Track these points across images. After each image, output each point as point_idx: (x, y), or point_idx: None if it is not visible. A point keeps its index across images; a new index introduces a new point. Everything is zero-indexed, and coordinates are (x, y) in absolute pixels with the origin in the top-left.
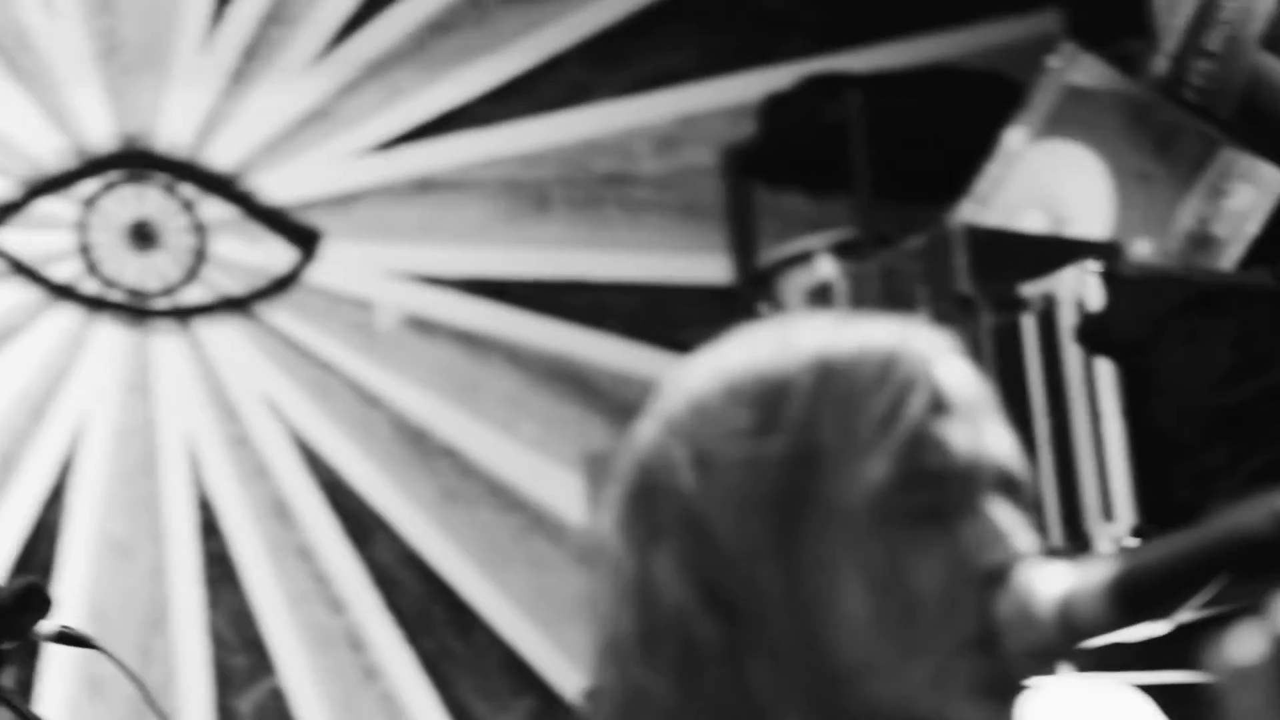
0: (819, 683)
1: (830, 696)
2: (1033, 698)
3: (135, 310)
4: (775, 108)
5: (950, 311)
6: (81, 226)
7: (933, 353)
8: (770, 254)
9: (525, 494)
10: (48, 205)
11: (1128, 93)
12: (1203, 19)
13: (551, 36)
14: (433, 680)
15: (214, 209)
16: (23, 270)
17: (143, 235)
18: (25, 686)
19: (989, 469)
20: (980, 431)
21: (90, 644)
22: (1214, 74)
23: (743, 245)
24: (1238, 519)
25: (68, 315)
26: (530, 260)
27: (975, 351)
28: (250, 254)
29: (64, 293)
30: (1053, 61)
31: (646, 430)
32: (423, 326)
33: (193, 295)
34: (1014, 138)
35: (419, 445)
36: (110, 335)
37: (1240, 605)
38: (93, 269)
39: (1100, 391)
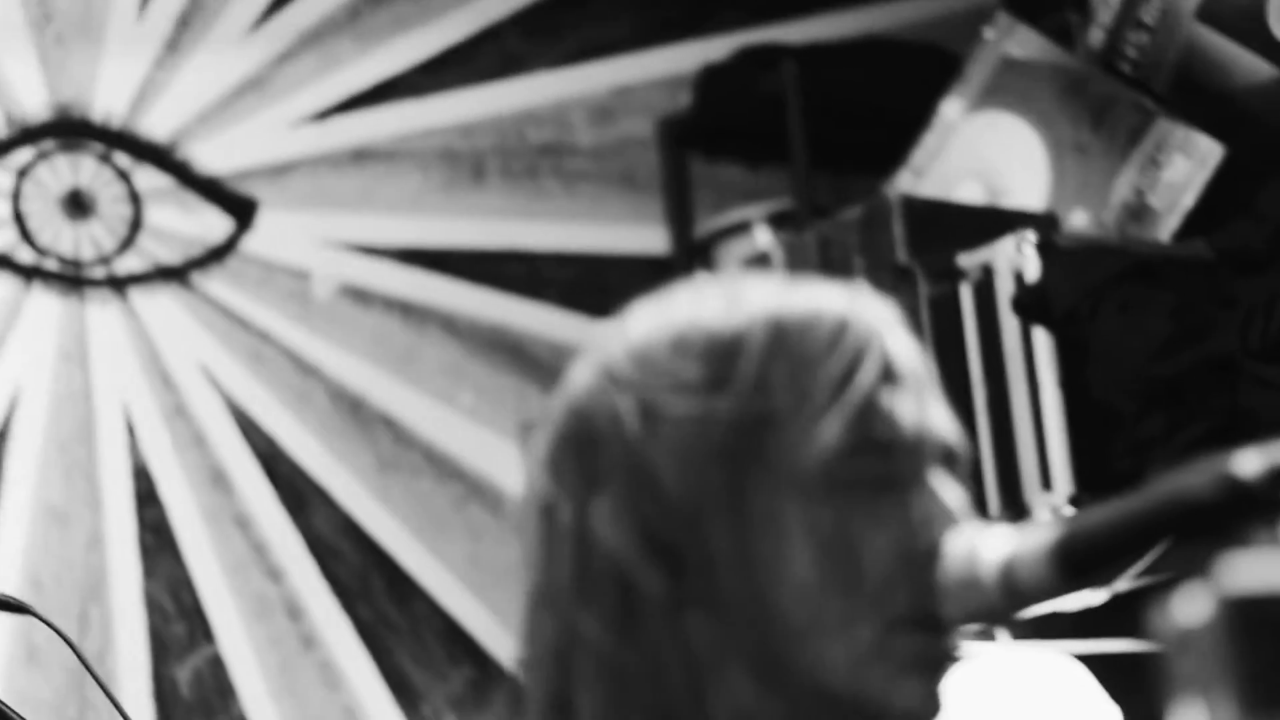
0: (760, 640)
1: (770, 655)
2: (968, 666)
3: (70, 279)
4: (711, 79)
5: (887, 281)
6: (15, 195)
7: (881, 323)
8: (707, 224)
9: (463, 463)
10: None
11: (1063, 64)
12: None
13: (487, 7)
14: (370, 649)
15: (149, 178)
16: None
17: (78, 204)
18: None
19: (933, 443)
20: (925, 405)
21: (27, 610)
22: (1149, 46)
23: (679, 216)
24: (1180, 483)
25: (2, 284)
26: (467, 230)
27: (913, 322)
28: (186, 223)
29: None
30: (988, 33)
31: (581, 377)
32: (359, 296)
33: (128, 264)
34: (950, 109)
35: (356, 414)
36: (45, 304)
37: (1176, 574)
38: (27, 238)
39: (1038, 361)
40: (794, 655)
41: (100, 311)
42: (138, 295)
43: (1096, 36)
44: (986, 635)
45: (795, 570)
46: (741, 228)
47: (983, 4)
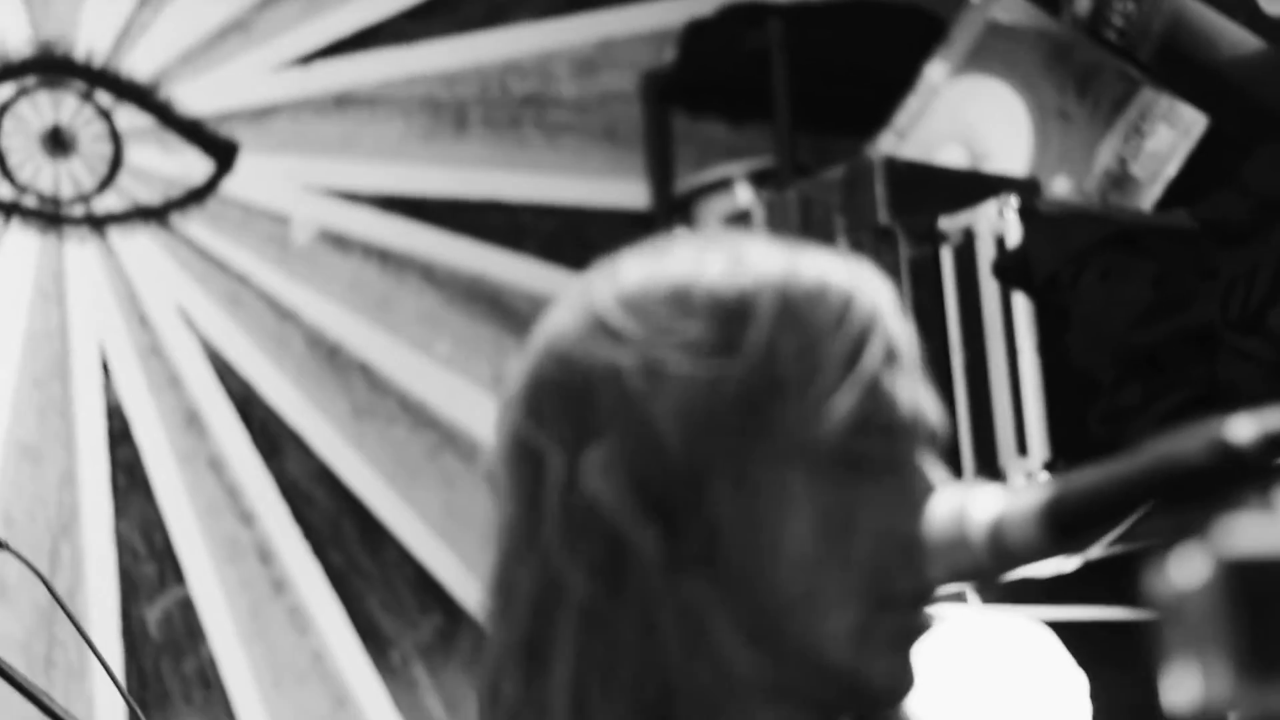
0: (754, 606)
1: (763, 621)
2: (937, 629)
3: (49, 217)
4: (696, 34)
5: (868, 242)
6: None
7: (883, 302)
8: (688, 180)
9: (438, 412)
10: None
11: (1049, 31)
12: None
13: None
14: (341, 594)
15: (130, 118)
16: None
17: (58, 142)
18: None
19: (925, 426)
20: (918, 388)
21: (1, 545)
22: (1135, 15)
23: (660, 171)
24: (1172, 447)
25: None
26: (447, 179)
27: (893, 284)
28: (166, 164)
29: None
30: None
31: (568, 322)
32: (338, 242)
33: (107, 203)
34: (934, 72)
35: (332, 360)
36: (23, 241)
37: (1150, 542)
38: (7, 174)
39: (1017, 326)
40: (786, 624)
41: (78, 250)
42: (116, 235)
43: (1083, 4)
44: (956, 599)
45: (796, 542)
46: (722, 185)
47: None
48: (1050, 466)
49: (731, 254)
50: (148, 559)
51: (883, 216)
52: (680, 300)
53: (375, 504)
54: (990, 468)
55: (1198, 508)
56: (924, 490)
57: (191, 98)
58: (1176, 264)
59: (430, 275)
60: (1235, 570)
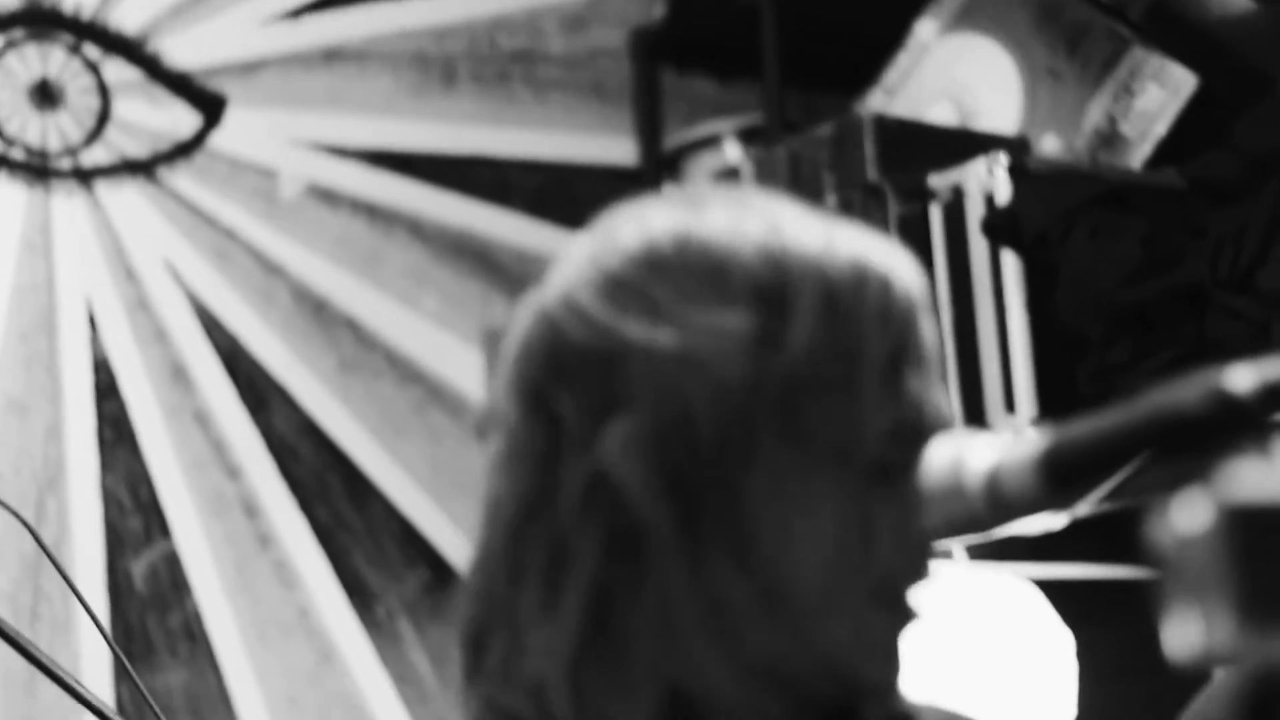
0: (777, 601)
1: (784, 618)
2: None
3: (36, 170)
4: None
5: (857, 200)
6: None
7: (917, 292)
8: (676, 137)
9: (424, 367)
10: None
11: None
12: None
13: None
14: (326, 549)
15: (118, 71)
16: None
17: (46, 95)
18: None
19: (940, 429)
20: (938, 389)
21: None
22: None
23: (649, 128)
24: (1171, 396)
25: None
26: (436, 134)
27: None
28: (154, 117)
29: None
30: None
31: (591, 279)
32: (326, 196)
33: (95, 157)
34: (924, 30)
35: (319, 315)
36: (10, 194)
37: (1143, 499)
38: None
39: (1005, 284)
40: (800, 620)
41: (65, 203)
42: (103, 188)
43: None
44: (943, 556)
45: (818, 544)
46: (711, 142)
47: None
48: (1038, 424)
49: (768, 224)
50: (133, 513)
51: (872, 174)
52: (718, 279)
53: (361, 459)
54: (978, 425)
55: (1195, 458)
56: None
57: (180, 51)
58: (1166, 223)
59: (418, 230)
60: (1236, 517)
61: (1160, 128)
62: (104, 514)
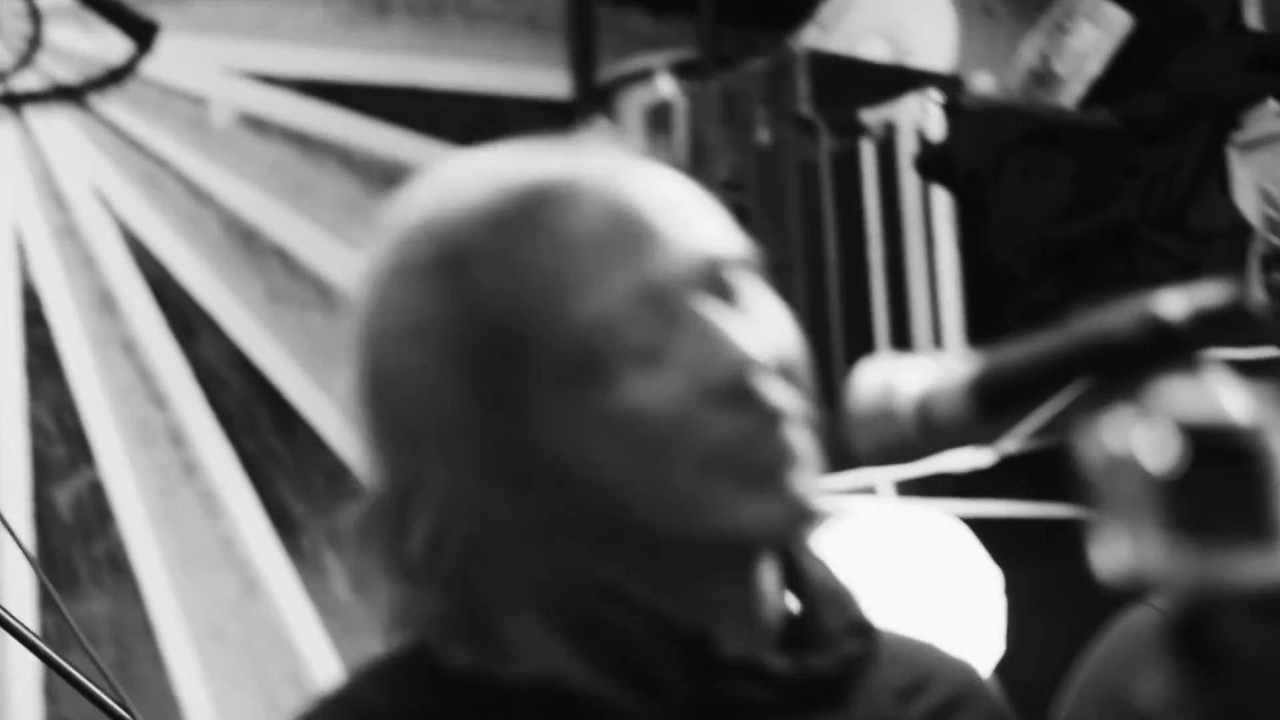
0: (596, 514)
1: (601, 524)
2: (851, 522)
3: None
4: None
5: (789, 135)
6: None
7: (617, 173)
8: (609, 70)
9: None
10: None
11: None
12: None
13: None
14: (252, 479)
15: None
16: None
17: None
18: None
19: (693, 273)
20: (675, 238)
21: None
22: None
23: (582, 60)
24: (1103, 321)
25: None
26: (368, 64)
27: (814, 176)
28: (86, 43)
29: None
30: None
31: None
32: (257, 125)
33: (26, 82)
34: None
35: (248, 244)
36: None
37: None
38: None
39: (936, 221)
40: (632, 521)
41: None
42: (34, 114)
43: None
44: (868, 491)
45: (602, 456)
46: (644, 75)
47: None
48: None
49: (448, 183)
50: (59, 440)
51: (805, 109)
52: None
53: (289, 389)
54: None
55: (1126, 383)
56: (712, 334)
57: None
58: (1097, 161)
59: (349, 161)
60: (1166, 435)
61: (1093, 67)
62: (29, 441)
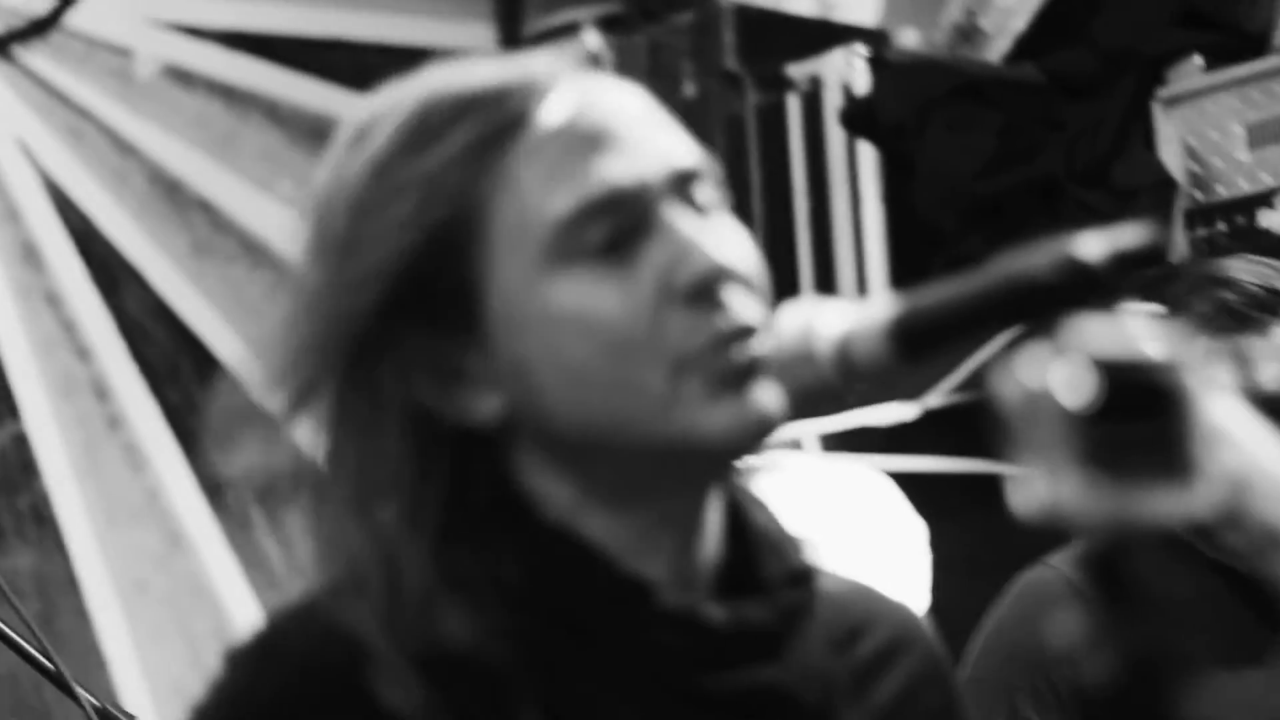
0: (561, 424)
1: (577, 431)
2: (776, 475)
3: None
4: None
5: (715, 88)
6: None
7: (554, 79)
8: (536, 24)
9: (278, 251)
10: None
11: None
12: None
13: None
14: (176, 432)
15: None
16: None
17: None
18: None
19: (660, 182)
20: (641, 147)
21: None
22: None
23: (508, 13)
24: (1022, 263)
25: None
26: (294, 16)
27: (740, 130)
28: None
29: None
30: None
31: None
32: (182, 77)
33: None
34: None
35: (173, 197)
36: None
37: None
38: None
39: (862, 175)
40: (600, 421)
41: None
42: None
43: None
44: (795, 445)
45: (565, 358)
46: (570, 29)
47: None
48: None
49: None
50: None
51: (730, 63)
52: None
53: (214, 342)
54: None
55: (1045, 324)
56: (676, 241)
57: None
58: (1022, 116)
59: (274, 113)
60: (1083, 371)
61: (1019, 23)
62: None
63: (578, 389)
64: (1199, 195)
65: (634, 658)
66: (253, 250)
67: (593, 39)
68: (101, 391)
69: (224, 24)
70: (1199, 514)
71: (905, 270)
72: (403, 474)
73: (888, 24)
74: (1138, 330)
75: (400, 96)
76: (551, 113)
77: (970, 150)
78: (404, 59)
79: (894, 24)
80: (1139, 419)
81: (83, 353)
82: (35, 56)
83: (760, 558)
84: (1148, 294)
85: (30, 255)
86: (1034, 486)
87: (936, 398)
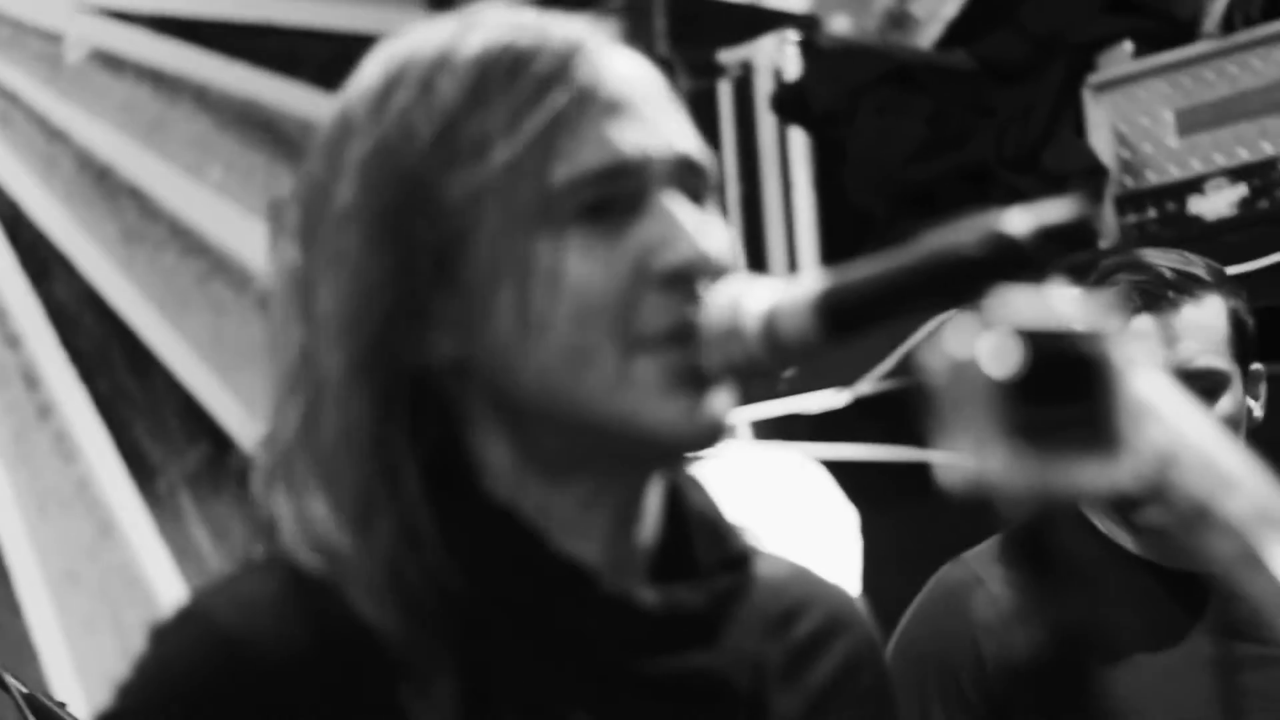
0: (510, 381)
1: (522, 393)
2: (708, 463)
3: None
4: None
5: None
6: None
7: (581, 46)
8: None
9: (209, 238)
10: None
11: None
12: None
13: None
14: (107, 421)
15: None
16: None
17: None
18: None
19: (663, 163)
20: (651, 125)
21: None
22: None
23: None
24: (948, 239)
25: None
26: (223, 2)
27: None
28: None
29: None
30: None
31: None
32: (111, 62)
33: None
34: None
35: (102, 183)
36: None
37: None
38: None
39: (793, 161)
40: (546, 388)
41: None
42: None
43: None
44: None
45: (535, 309)
46: None
47: None
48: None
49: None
50: None
51: (661, 48)
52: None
53: (144, 330)
54: None
55: (971, 298)
56: (665, 227)
57: None
58: (953, 102)
59: (204, 99)
60: (1009, 341)
61: (949, 8)
62: None
63: (536, 348)
64: (1129, 181)
65: (565, 640)
66: (183, 237)
67: None
68: (31, 380)
69: (152, 8)
70: (1124, 486)
71: (837, 256)
72: (366, 410)
73: (819, 10)
74: (1063, 303)
75: (452, 41)
76: (583, 74)
77: (901, 136)
78: (334, 44)
79: (825, 10)
80: (1065, 390)
81: (11, 340)
82: None
83: (696, 541)
84: (1070, 276)
85: None
86: (961, 458)
87: (867, 385)
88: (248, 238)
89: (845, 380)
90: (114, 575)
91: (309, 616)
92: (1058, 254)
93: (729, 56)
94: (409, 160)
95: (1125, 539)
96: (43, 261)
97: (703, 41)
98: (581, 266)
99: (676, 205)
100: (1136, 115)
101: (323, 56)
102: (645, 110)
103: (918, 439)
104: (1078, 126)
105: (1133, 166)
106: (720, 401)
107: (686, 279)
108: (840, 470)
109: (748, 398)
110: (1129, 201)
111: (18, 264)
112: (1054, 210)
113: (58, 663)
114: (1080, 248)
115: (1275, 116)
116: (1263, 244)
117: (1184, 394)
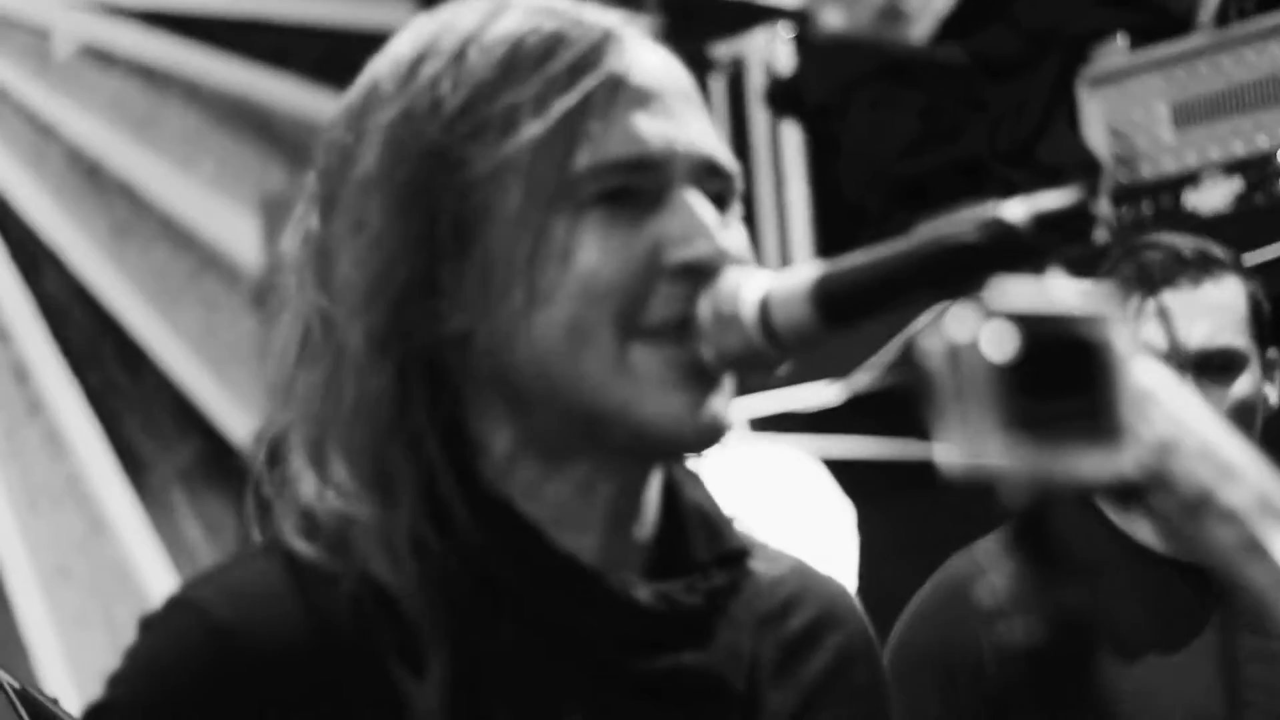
0: (511, 365)
1: (522, 378)
2: (705, 459)
3: None
4: None
5: None
6: None
7: (615, 38)
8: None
9: (200, 233)
10: None
11: None
12: None
13: None
14: (98, 416)
15: None
16: None
17: None
18: None
19: (686, 159)
20: (679, 121)
21: None
22: None
23: None
24: (946, 227)
25: None
26: None
27: None
28: None
29: None
30: None
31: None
32: (101, 57)
33: None
34: None
35: (92, 178)
36: None
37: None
38: None
39: (786, 155)
40: (545, 373)
41: None
42: None
43: None
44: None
45: (545, 287)
46: None
47: None
48: None
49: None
50: None
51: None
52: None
53: (135, 325)
54: None
55: (970, 286)
56: (683, 222)
57: None
58: (946, 96)
59: (195, 94)
60: (1007, 328)
61: (942, 3)
62: None
63: (537, 323)
64: (1124, 175)
65: (560, 635)
66: (174, 232)
67: None
68: (21, 375)
69: (143, 4)
70: (1126, 474)
71: (830, 250)
72: (384, 382)
73: (812, 4)
74: (1062, 291)
75: (485, 20)
76: (616, 62)
77: (894, 130)
78: (324, 40)
79: (818, 4)
80: (1064, 379)
81: (1, 335)
82: None
83: (693, 537)
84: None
85: None
86: (959, 445)
87: (863, 379)
88: (239, 233)
89: (842, 375)
90: (105, 570)
91: (301, 605)
92: (1055, 243)
93: (722, 51)
94: (435, 129)
95: (1143, 532)
96: (32, 256)
97: (696, 36)
98: (595, 249)
99: (697, 202)
100: (1131, 109)
101: (314, 52)
102: (674, 105)
103: (915, 434)
104: (1072, 121)
105: (1127, 160)
106: (721, 400)
107: (700, 275)
108: (837, 465)
109: (745, 390)
110: (1124, 196)
111: (8, 259)
112: (1051, 199)
113: (49, 658)
114: (1077, 238)
115: (1270, 110)
116: (1258, 237)
117: (1186, 382)
